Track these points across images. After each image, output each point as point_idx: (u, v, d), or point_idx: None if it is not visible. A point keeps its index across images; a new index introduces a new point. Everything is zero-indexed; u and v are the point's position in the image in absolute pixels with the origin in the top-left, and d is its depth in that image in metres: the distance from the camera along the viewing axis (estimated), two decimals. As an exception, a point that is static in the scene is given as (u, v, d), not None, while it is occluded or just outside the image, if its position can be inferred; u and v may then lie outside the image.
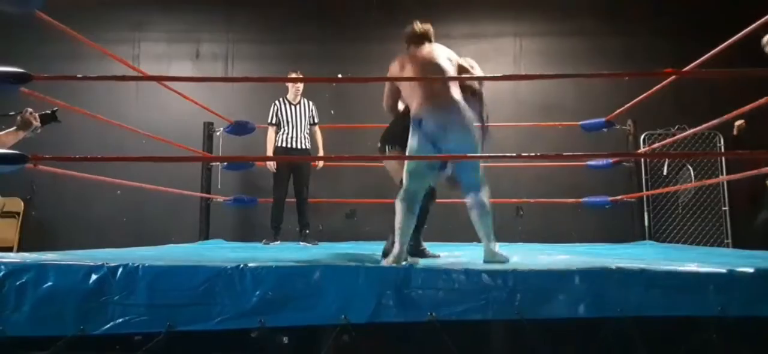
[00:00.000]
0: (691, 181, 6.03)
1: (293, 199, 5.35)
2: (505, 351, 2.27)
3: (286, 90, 5.43)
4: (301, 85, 5.34)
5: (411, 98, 3.07)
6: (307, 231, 5.35)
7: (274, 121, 5.30)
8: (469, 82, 3.20)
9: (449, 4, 6.68)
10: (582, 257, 3.30)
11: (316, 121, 5.48)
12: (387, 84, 3.32)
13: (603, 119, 5.19)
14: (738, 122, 5.13)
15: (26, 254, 2.56)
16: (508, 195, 5.90)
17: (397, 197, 3.00)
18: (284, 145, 5.26)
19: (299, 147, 5.31)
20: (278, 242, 5.20)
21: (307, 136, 5.37)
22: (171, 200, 5.85)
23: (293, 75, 5.26)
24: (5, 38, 6.24)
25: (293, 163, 5.31)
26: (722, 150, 6.20)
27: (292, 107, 5.33)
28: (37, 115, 3.11)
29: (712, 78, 5.93)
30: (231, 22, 6.98)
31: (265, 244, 5.12)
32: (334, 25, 6.77)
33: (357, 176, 6.22)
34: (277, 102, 5.35)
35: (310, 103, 5.47)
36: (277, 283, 2.20)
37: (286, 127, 5.27)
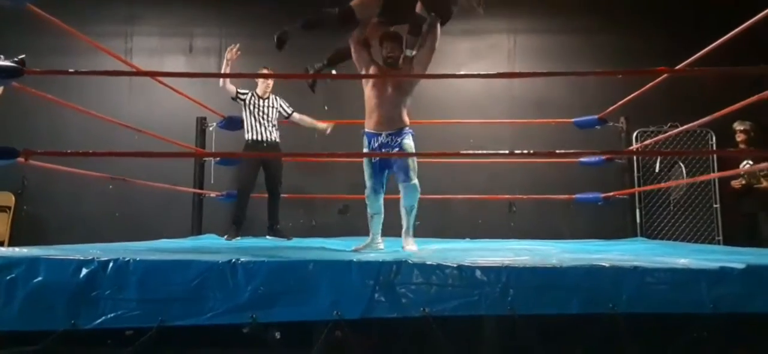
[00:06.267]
0: (682, 178, 6.06)
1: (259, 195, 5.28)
2: (497, 347, 2.27)
3: (256, 84, 5.31)
4: (271, 81, 5.27)
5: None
6: (278, 226, 5.24)
7: (241, 97, 5.15)
8: None
9: (443, 1, 6.65)
10: (574, 254, 3.30)
11: (290, 111, 5.37)
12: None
13: (596, 116, 5.21)
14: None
15: (17, 248, 2.54)
16: (500, 191, 5.92)
17: (414, 182, 3.48)
18: (254, 138, 5.13)
19: (269, 140, 5.19)
20: (239, 238, 5.02)
21: (276, 130, 5.26)
22: (163, 195, 5.82)
23: (265, 71, 5.16)
24: (-4, 31, 6.19)
25: (265, 158, 5.12)
26: (714, 148, 6.23)
27: (261, 101, 5.23)
28: None
29: (704, 76, 5.96)
30: (224, 16, 6.94)
31: (226, 239, 4.92)
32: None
33: (350, 171, 6.19)
34: (249, 92, 5.23)
35: (278, 98, 5.37)
36: (269, 278, 2.20)
37: (254, 122, 5.16)
